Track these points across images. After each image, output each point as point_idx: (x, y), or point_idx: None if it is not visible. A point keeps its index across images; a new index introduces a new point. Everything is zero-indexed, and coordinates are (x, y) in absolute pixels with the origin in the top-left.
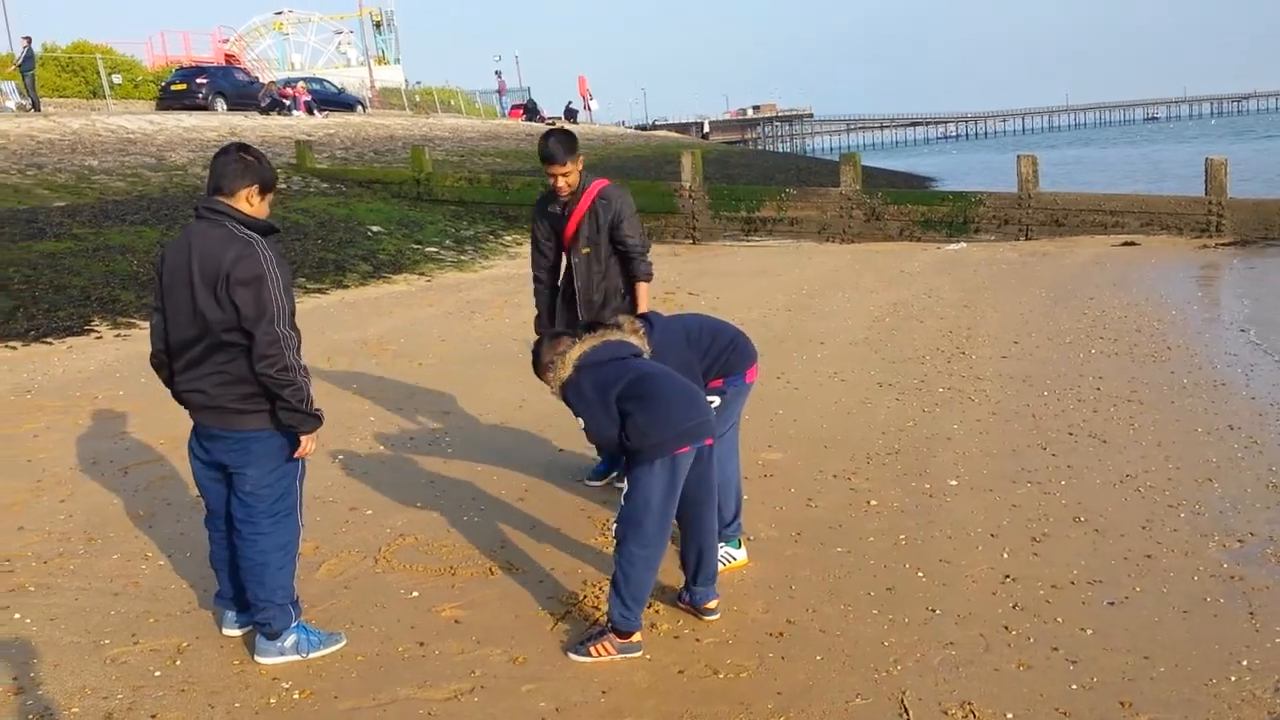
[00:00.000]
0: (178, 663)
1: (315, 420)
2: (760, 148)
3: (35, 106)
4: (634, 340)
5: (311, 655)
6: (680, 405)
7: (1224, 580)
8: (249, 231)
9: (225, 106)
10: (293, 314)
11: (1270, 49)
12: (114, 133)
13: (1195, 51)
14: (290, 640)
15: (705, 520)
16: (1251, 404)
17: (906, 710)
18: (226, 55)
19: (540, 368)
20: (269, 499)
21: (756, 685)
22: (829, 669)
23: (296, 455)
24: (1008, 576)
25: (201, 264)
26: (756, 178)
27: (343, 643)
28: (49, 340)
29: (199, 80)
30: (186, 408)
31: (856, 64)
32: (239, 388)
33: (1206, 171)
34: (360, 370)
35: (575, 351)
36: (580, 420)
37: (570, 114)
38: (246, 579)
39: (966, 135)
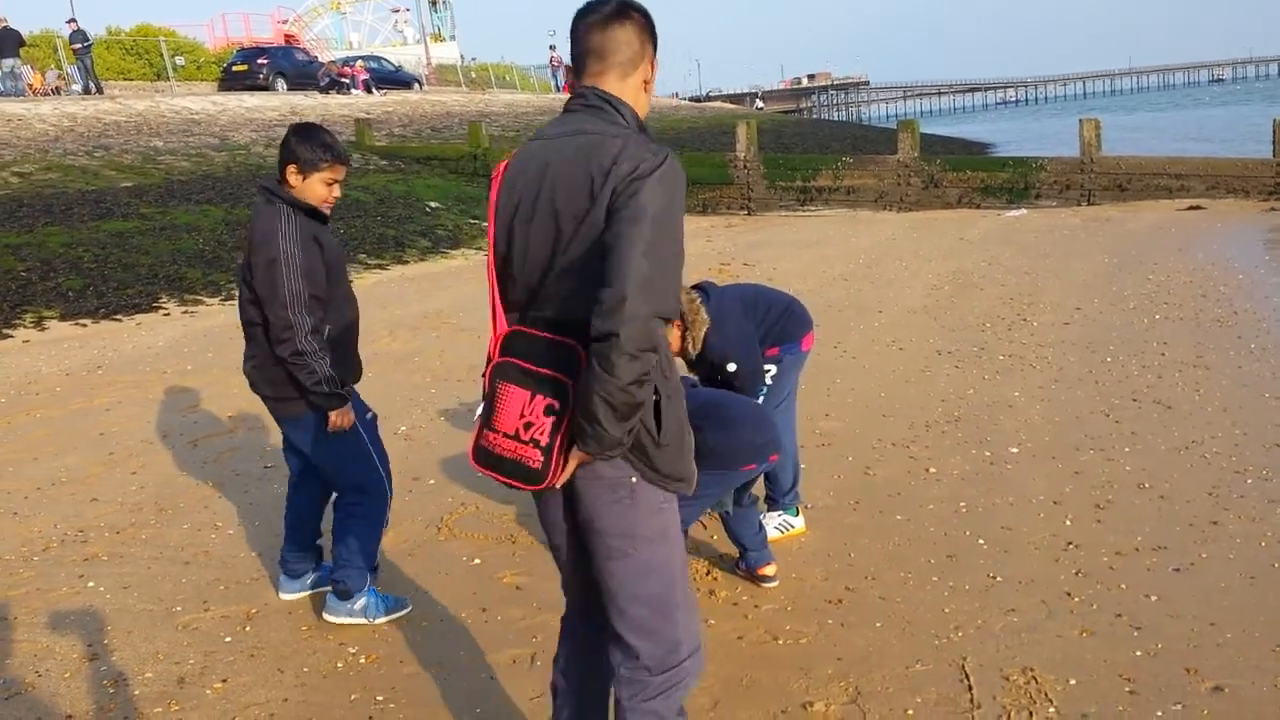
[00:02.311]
0: (247, 628)
1: (335, 400)
2: (815, 117)
3: (87, 89)
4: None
5: (378, 620)
6: (752, 426)
7: None
8: (291, 211)
9: (286, 86)
10: (315, 299)
11: None
12: (178, 114)
13: (1261, 10)
14: (360, 603)
15: (745, 495)
16: None
17: (968, 676)
18: (286, 36)
19: None
20: (338, 472)
21: (816, 651)
22: (889, 635)
23: (329, 429)
24: (1070, 543)
25: (248, 243)
26: (812, 147)
27: (409, 608)
28: (118, 317)
29: (260, 61)
30: None
31: (912, 30)
32: (271, 372)
33: (1274, 133)
34: (421, 344)
35: None
36: None
37: None
38: (334, 537)
39: (1026, 100)
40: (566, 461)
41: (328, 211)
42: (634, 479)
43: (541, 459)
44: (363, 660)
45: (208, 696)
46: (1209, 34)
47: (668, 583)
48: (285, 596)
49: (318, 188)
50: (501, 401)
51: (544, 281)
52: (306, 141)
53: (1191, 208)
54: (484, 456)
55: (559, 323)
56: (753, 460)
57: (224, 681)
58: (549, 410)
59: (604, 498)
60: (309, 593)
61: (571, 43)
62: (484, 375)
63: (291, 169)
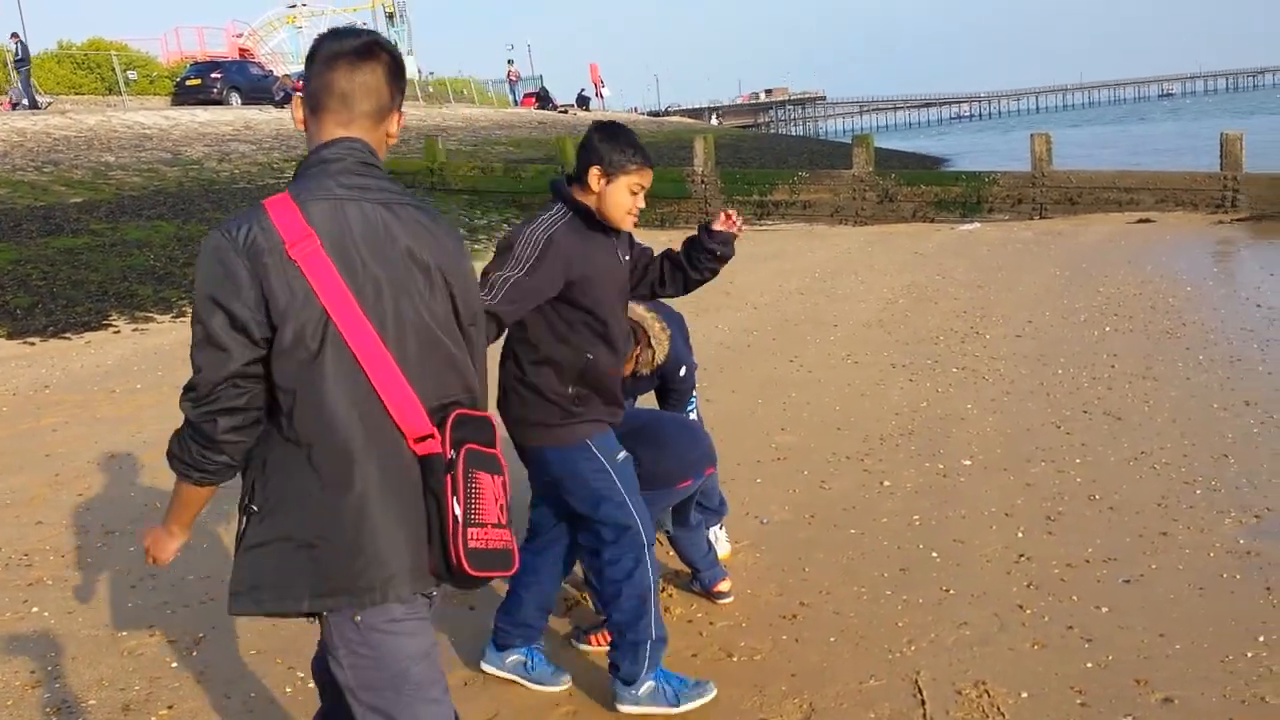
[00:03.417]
0: (195, 653)
1: None
2: (773, 131)
3: (32, 104)
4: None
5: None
6: (684, 442)
7: (1240, 556)
8: (565, 212)
9: (240, 101)
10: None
11: None
12: (130, 129)
13: (1210, 26)
14: (646, 687)
15: (689, 515)
16: (1268, 379)
17: (920, 690)
18: (241, 50)
19: None
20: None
21: (770, 668)
22: (842, 650)
23: None
24: (1022, 555)
25: None
26: (769, 161)
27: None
28: (67, 335)
29: (213, 75)
30: None
31: (869, 46)
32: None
33: (1222, 146)
34: None
35: None
36: None
37: (583, 101)
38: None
39: (980, 115)
40: None
41: (631, 224)
42: None
43: (510, 537)
44: (310, 685)
45: None
46: (1159, 50)
47: None
48: (485, 668)
49: (622, 194)
50: (480, 493)
51: (431, 357)
52: (613, 140)
53: (1141, 221)
54: (480, 559)
55: (474, 399)
56: (688, 475)
57: (170, 708)
58: (505, 486)
59: None
60: (505, 675)
61: (310, 76)
62: (441, 475)
63: (595, 171)
